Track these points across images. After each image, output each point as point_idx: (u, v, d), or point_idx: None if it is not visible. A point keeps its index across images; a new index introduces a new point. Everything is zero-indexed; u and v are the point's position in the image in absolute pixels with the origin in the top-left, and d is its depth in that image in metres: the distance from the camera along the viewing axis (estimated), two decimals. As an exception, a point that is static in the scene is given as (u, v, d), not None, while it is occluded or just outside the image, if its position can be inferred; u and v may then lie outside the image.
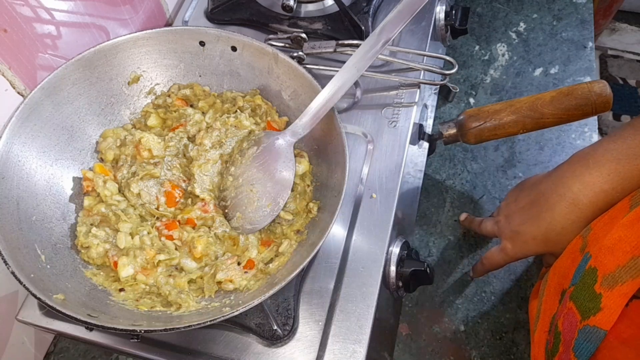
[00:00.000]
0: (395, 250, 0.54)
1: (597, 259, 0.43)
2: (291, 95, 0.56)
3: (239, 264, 0.49)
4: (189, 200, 0.54)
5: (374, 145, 0.59)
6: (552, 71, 0.81)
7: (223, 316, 0.40)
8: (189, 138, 0.56)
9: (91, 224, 0.51)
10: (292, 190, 0.53)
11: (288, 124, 0.57)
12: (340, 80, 0.50)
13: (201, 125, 0.56)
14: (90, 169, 0.54)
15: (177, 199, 0.54)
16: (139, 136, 0.54)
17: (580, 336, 0.42)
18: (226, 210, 0.53)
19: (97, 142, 0.56)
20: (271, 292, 0.41)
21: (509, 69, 0.82)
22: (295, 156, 0.53)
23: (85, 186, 0.53)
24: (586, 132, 0.75)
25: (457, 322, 0.63)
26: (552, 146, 0.74)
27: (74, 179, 0.54)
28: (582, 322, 0.42)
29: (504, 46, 0.85)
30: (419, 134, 0.65)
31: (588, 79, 0.80)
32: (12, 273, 0.42)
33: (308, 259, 0.43)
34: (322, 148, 0.54)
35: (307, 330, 0.49)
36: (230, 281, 0.48)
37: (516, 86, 0.81)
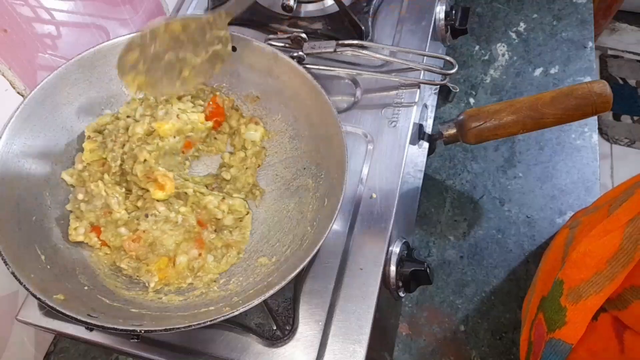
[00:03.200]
0: (395, 250, 0.54)
1: (564, 272, 0.43)
2: (291, 95, 0.56)
3: None
4: None
5: (374, 145, 0.59)
6: (552, 71, 0.81)
7: (223, 316, 0.40)
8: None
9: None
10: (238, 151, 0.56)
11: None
12: None
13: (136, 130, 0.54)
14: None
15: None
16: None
17: (547, 349, 0.43)
18: None
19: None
20: (271, 292, 0.41)
21: (509, 69, 0.82)
22: (250, 122, 0.57)
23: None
24: (586, 132, 0.75)
25: (457, 322, 0.63)
26: (552, 146, 0.74)
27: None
28: (549, 334, 0.43)
29: (504, 46, 0.85)
30: (419, 134, 0.65)
31: (588, 79, 0.80)
32: (12, 273, 0.42)
33: (308, 259, 0.43)
34: (322, 148, 0.54)
35: (307, 330, 0.49)
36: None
37: (516, 86, 0.81)
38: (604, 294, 0.40)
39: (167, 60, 0.50)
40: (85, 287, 0.47)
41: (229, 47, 0.52)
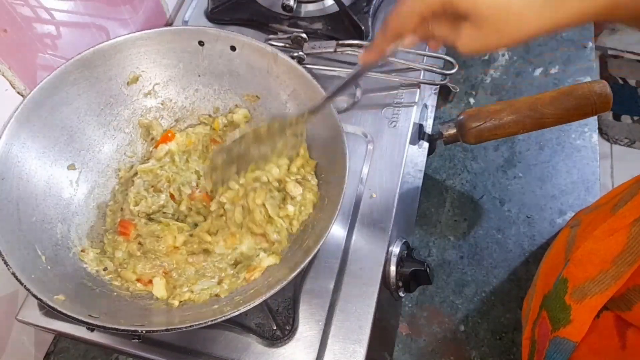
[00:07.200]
0: (395, 250, 0.54)
1: (568, 270, 0.43)
2: (290, 95, 0.56)
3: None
4: None
5: (374, 145, 0.59)
6: (552, 71, 0.81)
7: (223, 316, 0.40)
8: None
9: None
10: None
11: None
12: None
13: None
14: None
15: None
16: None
17: (551, 347, 0.43)
18: None
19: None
20: (271, 292, 0.41)
21: (509, 69, 0.82)
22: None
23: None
24: (586, 132, 0.75)
25: (457, 322, 0.63)
26: (552, 146, 0.74)
27: (74, 181, 0.54)
28: (553, 333, 0.43)
29: (504, 46, 0.85)
30: (419, 134, 0.65)
31: (588, 79, 0.80)
32: (13, 274, 0.42)
33: (308, 259, 0.43)
34: (322, 148, 0.54)
35: (307, 330, 0.49)
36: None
37: (516, 86, 0.81)
38: (609, 293, 0.40)
39: (249, 156, 0.52)
40: (86, 288, 0.47)
41: (303, 138, 0.53)
